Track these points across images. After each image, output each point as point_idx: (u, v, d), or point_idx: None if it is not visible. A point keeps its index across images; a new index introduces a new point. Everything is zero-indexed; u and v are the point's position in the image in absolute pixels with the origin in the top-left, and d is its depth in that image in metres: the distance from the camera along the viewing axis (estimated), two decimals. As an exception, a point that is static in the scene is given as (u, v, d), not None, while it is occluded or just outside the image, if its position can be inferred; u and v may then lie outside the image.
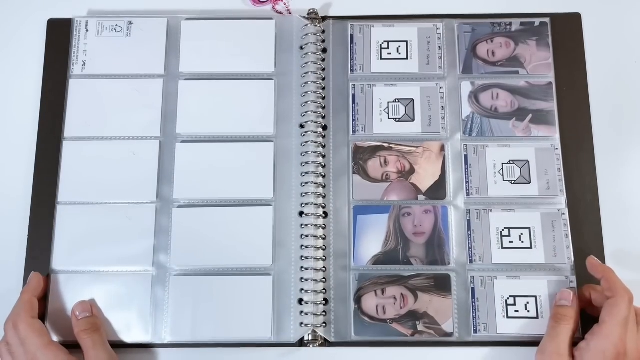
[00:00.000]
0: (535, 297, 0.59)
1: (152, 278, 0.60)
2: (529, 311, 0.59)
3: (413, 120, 0.64)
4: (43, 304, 0.59)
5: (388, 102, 0.64)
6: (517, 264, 0.60)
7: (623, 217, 0.62)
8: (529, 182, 0.62)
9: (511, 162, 0.62)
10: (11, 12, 0.69)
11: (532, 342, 0.57)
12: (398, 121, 0.64)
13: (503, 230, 0.61)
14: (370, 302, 0.59)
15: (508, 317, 0.59)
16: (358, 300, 0.59)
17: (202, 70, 0.66)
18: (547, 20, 0.66)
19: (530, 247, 0.60)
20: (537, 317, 0.59)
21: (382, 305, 0.59)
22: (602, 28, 0.67)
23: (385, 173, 0.62)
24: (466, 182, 0.62)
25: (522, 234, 0.61)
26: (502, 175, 0.62)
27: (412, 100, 0.64)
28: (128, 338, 0.59)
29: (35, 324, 0.55)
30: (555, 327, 0.55)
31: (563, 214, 0.61)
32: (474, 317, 0.59)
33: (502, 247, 0.61)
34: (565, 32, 0.67)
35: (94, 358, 0.55)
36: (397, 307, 0.59)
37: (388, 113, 0.64)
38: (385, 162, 0.62)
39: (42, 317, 0.58)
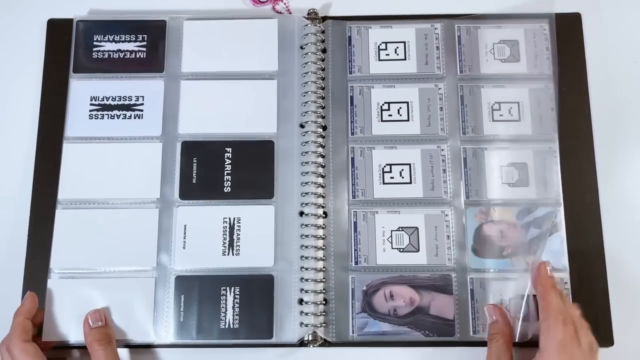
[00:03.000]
0: (536, 296, 0.59)
1: (154, 278, 0.60)
2: (529, 312, 0.59)
3: (412, 121, 0.64)
4: (39, 321, 0.58)
5: (387, 103, 0.64)
6: (516, 268, 0.61)
7: (624, 217, 0.63)
8: (527, 185, 0.62)
9: (510, 164, 0.63)
10: (11, 12, 0.69)
11: (531, 343, 0.58)
12: (396, 122, 0.64)
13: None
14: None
15: (511, 317, 0.59)
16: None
17: (204, 70, 0.66)
18: (546, 22, 0.66)
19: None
20: (537, 319, 0.59)
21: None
22: (603, 28, 0.67)
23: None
24: (465, 184, 0.62)
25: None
26: (501, 178, 0.62)
27: (411, 101, 0.64)
28: (129, 338, 0.59)
29: (28, 348, 0.54)
30: (489, 346, 0.56)
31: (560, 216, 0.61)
32: (473, 318, 0.59)
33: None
34: (565, 32, 0.66)
35: None
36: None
37: (387, 114, 0.64)
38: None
39: (39, 328, 0.58)
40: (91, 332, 0.57)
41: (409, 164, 0.63)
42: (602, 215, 0.62)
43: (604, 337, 0.59)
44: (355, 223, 0.62)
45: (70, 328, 0.59)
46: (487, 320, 0.58)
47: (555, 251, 0.60)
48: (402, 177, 0.63)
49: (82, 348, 0.59)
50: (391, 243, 0.61)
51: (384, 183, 0.62)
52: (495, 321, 0.57)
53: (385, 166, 0.63)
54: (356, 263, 0.61)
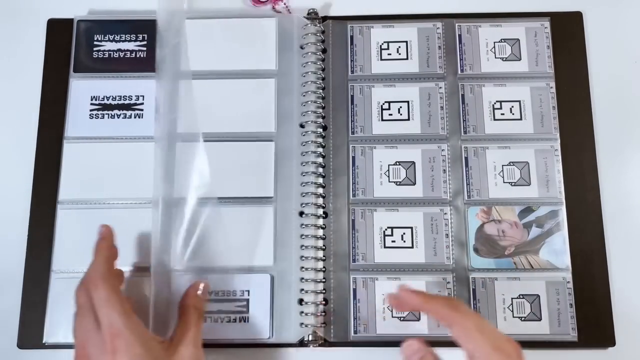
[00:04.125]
0: (538, 296, 0.59)
1: (153, 278, 0.60)
2: (531, 312, 0.59)
3: (412, 120, 0.64)
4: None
5: (387, 102, 0.64)
6: (518, 267, 0.60)
7: (625, 216, 0.62)
8: (529, 184, 0.62)
9: (511, 163, 0.62)
10: (11, 12, 0.69)
11: (533, 343, 0.58)
12: (397, 122, 0.64)
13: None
14: None
15: (513, 317, 0.59)
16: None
17: (202, 68, 0.65)
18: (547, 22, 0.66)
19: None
20: (539, 319, 0.59)
21: None
22: (604, 27, 0.67)
23: None
24: (467, 184, 0.62)
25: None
26: (503, 177, 0.62)
27: (412, 101, 0.64)
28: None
29: (117, 285, 0.50)
30: None
31: (562, 215, 0.61)
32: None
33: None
34: (566, 31, 0.66)
35: (192, 337, 0.51)
36: None
37: (387, 114, 0.64)
38: None
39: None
40: (196, 298, 0.55)
41: (410, 165, 0.63)
42: (603, 214, 0.62)
43: (606, 337, 0.59)
44: (353, 221, 0.62)
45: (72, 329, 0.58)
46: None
47: (558, 250, 0.60)
48: (403, 178, 0.62)
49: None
50: (393, 241, 0.61)
51: (388, 182, 0.63)
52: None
53: (388, 165, 0.63)
54: (354, 261, 0.61)
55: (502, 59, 0.65)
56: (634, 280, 0.61)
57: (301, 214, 0.61)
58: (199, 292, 0.55)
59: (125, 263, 0.60)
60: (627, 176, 0.64)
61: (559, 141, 0.63)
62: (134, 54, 0.66)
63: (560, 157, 0.62)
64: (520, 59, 0.65)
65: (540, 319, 0.59)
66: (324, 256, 0.61)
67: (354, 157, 0.63)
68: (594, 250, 0.61)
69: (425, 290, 0.60)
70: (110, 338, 0.45)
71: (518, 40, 0.66)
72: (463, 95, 0.64)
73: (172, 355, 0.49)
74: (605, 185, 0.62)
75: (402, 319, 0.59)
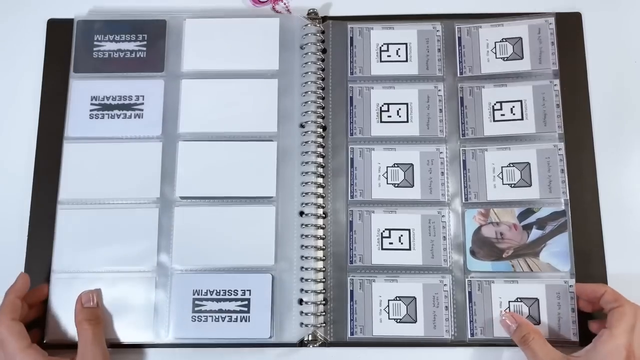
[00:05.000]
0: (537, 299, 0.59)
1: (154, 278, 0.60)
2: (529, 315, 0.59)
3: (411, 122, 0.64)
4: (40, 306, 0.60)
5: (386, 104, 0.64)
6: (516, 270, 0.60)
7: (623, 217, 0.62)
8: (530, 185, 0.62)
9: (511, 165, 0.62)
10: (11, 12, 0.69)
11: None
12: (396, 124, 0.64)
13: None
14: None
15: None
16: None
17: (205, 68, 0.65)
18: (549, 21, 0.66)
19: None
20: (538, 322, 0.59)
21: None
22: (603, 27, 0.67)
23: None
24: (464, 187, 0.62)
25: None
26: (502, 178, 0.62)
27: (411, 103, 0.64)
28: (130, 338, 0.59)
29: (14, 326, 0.54)
30: (528, 347, 0.55)
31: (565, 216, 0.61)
32: (470, 321, 0.59)
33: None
34: (566, 32, 0.66)
35: (90, 352, 0.55)
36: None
37: (386, 115, 0.64)
38: None
39: (40, 318, 0.59)
40: (82, 311, 0.58)
41: (408, 167, 0.62)
42: (602, 215, 0.61)
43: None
44: (351, 222, 0.62)
45: (72, 328, 0.59)
46: (509, 329, 0.58)
47: (559, 253, 0.60)
48: (401, 180, 0.62)
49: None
50: (391, 243, 0.61)
51: (386, 183, 0.62)
52: (519, 325, 0.57)
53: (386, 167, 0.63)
54: (351, 262, 0.61)
55: (503, 58, 0.65)
56: (632, 281, 0.60)
57: (301, 213, 0.61)
58: (84, 303, 0.58)
59: (125, 263, 0.61)
60: (626, 176, 0.63)
61: (563, 140, 0.62)
62: (134, 54, 0.66)
63: (564, 157, 0.62)
64: (522, 58, 0.65)
65: (539, 323, 0.58)
66: (323, 256, 0.61)
67: (352, 159, 0.63)
68: (593, 251, 0.61)
69: (423, 291, 0.60)
70: None
71: (520, 38, 0.65)
72: (462, 98, 0.64)
73: None
74: (603, 186, 0.62)
75: (398, 320, 0.59)
